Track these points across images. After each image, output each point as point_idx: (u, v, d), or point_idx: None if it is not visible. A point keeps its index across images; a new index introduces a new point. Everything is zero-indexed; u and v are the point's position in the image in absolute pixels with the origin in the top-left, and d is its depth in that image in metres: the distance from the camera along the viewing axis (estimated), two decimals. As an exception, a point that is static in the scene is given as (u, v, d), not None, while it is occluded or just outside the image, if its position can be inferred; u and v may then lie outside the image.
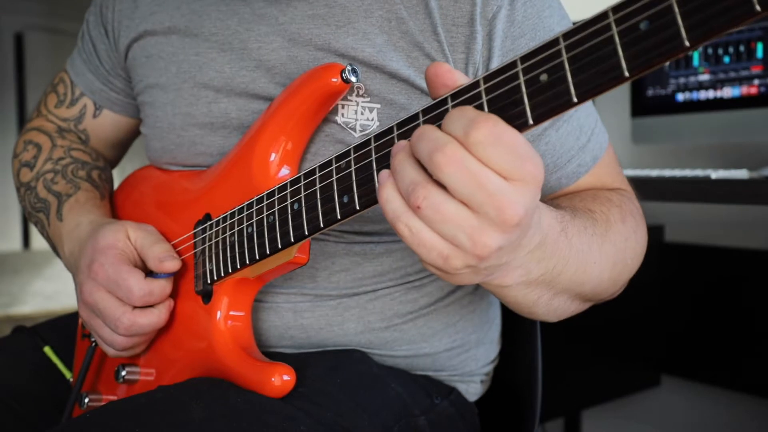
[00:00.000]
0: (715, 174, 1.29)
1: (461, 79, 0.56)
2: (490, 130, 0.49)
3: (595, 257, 0.72)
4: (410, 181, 0.53)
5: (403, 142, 0.56)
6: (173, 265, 0.81)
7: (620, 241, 0.77)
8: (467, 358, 0.92)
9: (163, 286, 0.80)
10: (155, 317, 0.80)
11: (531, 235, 0.58)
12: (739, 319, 1.71)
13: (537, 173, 0.51)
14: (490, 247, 0.52)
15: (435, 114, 0.57)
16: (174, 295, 0.84)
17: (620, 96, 1.83)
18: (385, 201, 0.55)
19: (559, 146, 0.80)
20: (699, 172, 1.34)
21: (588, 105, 0.85)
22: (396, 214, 0.54)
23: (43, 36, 7.31)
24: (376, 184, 0.60)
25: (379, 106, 0.78)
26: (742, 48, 1.46)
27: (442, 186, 0.52)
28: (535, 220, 0.58)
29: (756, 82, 1.45)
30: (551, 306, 0.72)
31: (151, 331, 0.82)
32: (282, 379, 0.74)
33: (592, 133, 0.83)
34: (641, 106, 1.70)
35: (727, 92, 1.50)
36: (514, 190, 0.50)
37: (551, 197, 0.83)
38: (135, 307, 0.80)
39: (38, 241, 7.20)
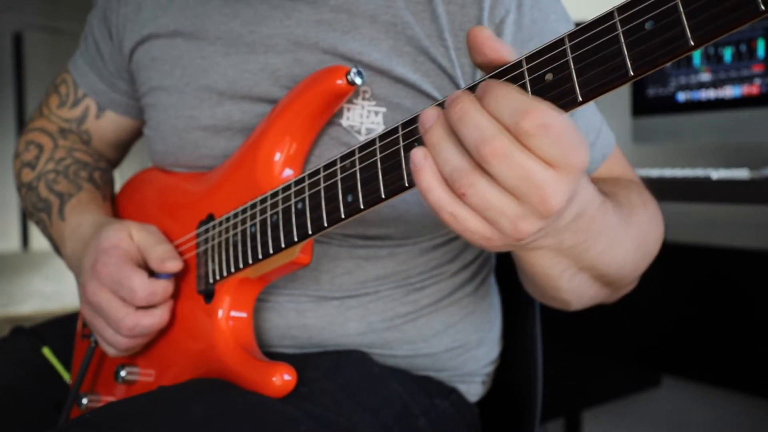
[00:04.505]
0: (715, 174, 1.29)
1: (502, 49, 0.54)
2: (540, 121, 0.48)
3: (622, 238, 0.71)
4: (454, 167, 0.52)
5: (434, 112, 0.54)
6: (175, 265, 0.81)
7: (644, 225, 0.76)
8: (468, 359, 0.92)
9: (165, 286, 0.80)
10: (157, 318, 0.80)
11: (570, 208, 0.57)
12: (739, 319, 1.71)
13: (583, 160, 0.51)
14: (529, 232, 0.53)
15: None
16: (175, 295, 0.84)
17: (621, 95, 1.83)
18: (426, 189, 0.54)
19: None
20: (699, 172, 1.33)
21: (593, 106, 0.85)
22: (440, 203, 0.54)
23: (43, 36, 7.30)
24: (381, 183, 0.60)
25: (384, 109, 0.78)
26: (743, 47, 1.46)
27: (487, 173, 0.51)
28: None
29: (757, 81, 1.45)
30: (573, 282, 0.71)
31: (153, 331, 0.82)
32: (283, 378, 0.73)
33: (600, 132, 0.84)
34: (642, 106, 1.70)
35: (728, 92, 1.50)
36: (559, 178, 0.50)
37: None
38: (138, 308, 0.79)
39: (37, 241, 7.19)
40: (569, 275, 0.70)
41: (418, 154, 0.54)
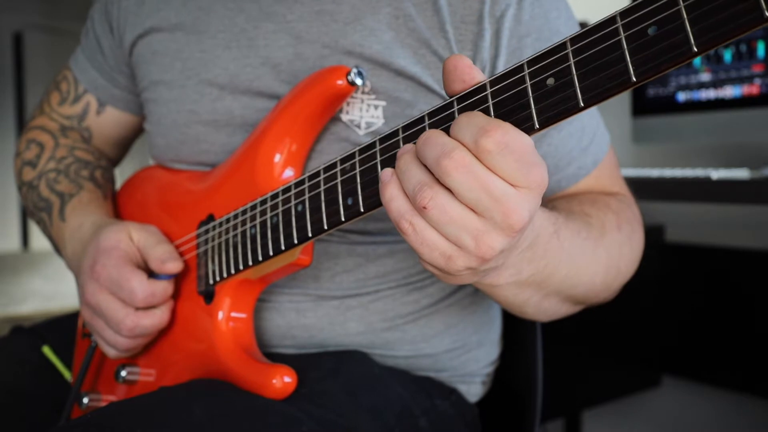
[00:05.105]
0: (715, 174, 1.29)
1: (479, 77, 0.55)
2: (499, 139, 0.50)
3: (587, 261, 0.73)
4: (417, 181, 0.53)
5: (409, 146, 0.56)
6: (175, 266, 0.81)
7: (614, 248, 0.77)
8: (468, 359, 0.92)
9: (165, 288, 0.80)
10: (158, 318, 0.80)
11: (525, 235, 0.59)
12: (739, 319, 1.71)
13: (542, 180, 0.52)
14: (494, 249, 0.53)
15: (441, 117, 0.57)
16: (176, 295, 0.84)
17: (621, 95, 1.82)
18: (389, 199, 0.55)
19: (561, 148, 0.81)
20: (699, 172, 1.34)
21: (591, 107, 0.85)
22: (400, 212, 0.54)
23: (43, 35, 7.29)
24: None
25: (384, 103, 0.78)
26: (743, 47, 1.46)
27: (448, 189, 0.52)
28: None
29: (757, 81, 1.45)
30: (541, 307, 0.73)
31: (153, 332, 0.82)
32: (283, 380, 0.73)
33: (594, 135, 0.84)
34: (642, 106, 1.70)
35: (728, 92, 1.50)
36: (520, 195, 0.51)
37: (550, 199, 0.84)
38: (137, 309, 0.79)
39: (37, 241, 7.18)
40: (535, 302, 0.72)
41: (386, 172, 0.56)
